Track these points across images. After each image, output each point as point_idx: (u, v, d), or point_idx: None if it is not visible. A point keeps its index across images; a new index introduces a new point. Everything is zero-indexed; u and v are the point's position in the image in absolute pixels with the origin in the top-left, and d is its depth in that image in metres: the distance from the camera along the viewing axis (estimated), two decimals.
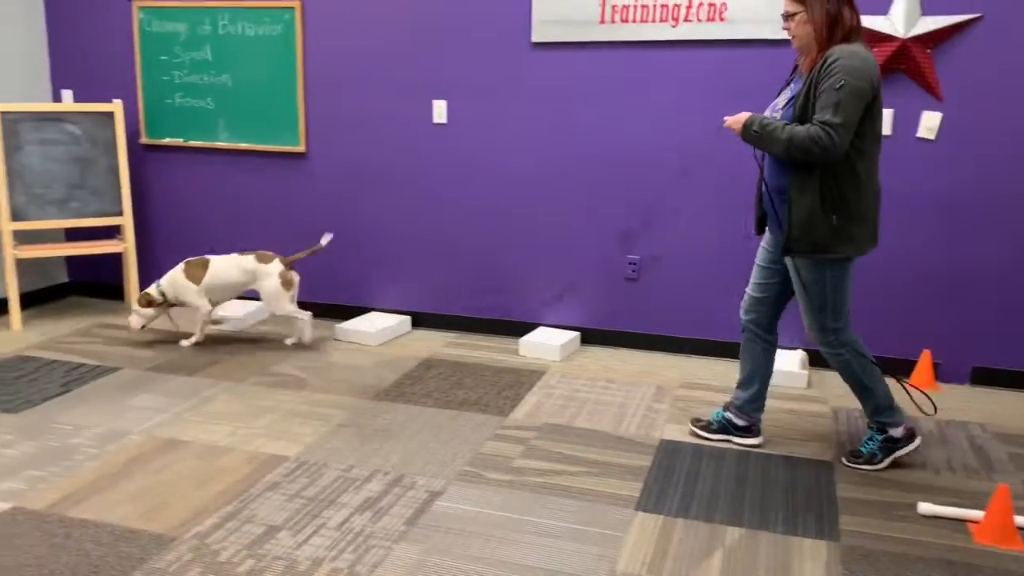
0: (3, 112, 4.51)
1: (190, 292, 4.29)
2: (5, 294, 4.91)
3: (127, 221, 4.79)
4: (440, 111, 4.53)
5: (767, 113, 3.04)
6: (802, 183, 2.87)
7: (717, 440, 3.37)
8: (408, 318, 4.77)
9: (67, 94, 5.07)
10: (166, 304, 4.34)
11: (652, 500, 2.91)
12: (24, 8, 4.90)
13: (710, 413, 3.50)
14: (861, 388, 3.12)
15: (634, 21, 4.13)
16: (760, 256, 3.22)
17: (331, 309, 4.94)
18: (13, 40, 4.85)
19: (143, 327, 4.34)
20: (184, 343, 4.42)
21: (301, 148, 4.76)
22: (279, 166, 4.86)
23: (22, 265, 4.92)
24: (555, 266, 4.54)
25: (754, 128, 2.93)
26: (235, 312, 4.77)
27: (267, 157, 4.86)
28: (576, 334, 4.50)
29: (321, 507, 2.81)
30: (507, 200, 4.53)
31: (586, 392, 3.88)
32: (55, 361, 4.15)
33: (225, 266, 4.32)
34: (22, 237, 4.81)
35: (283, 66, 4.68)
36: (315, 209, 4.85)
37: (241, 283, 4.34)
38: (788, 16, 2.92)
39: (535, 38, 4.30)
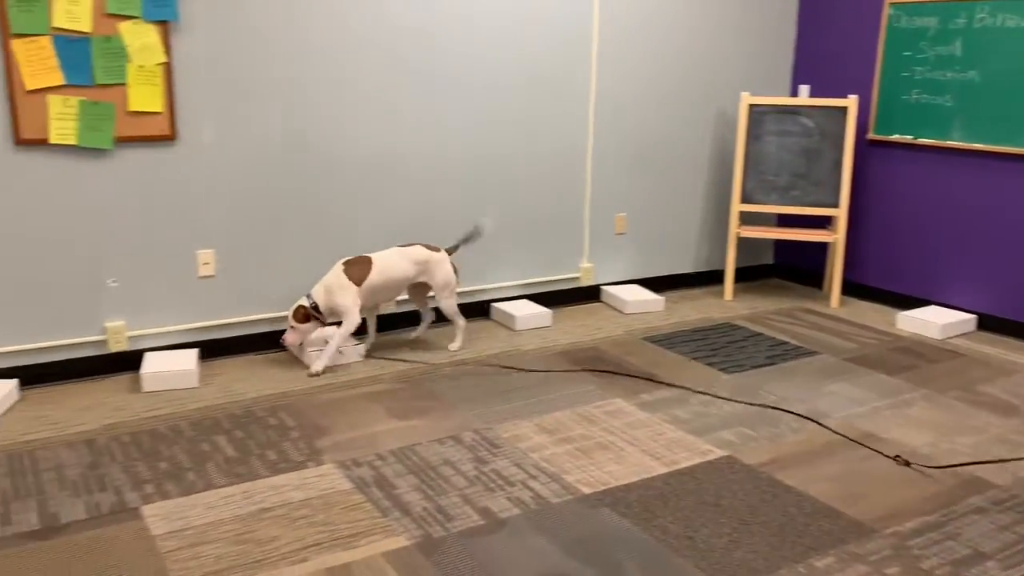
0: (751, 104, 5.01)
1: (348, 294, 3.80)
2: (722, 267, 5.53)
3: (842, 213, 4.92)
4: None
5: None
6: None
7: None
8: None
9: (804, 89, 5.39)
10: (323, 318, 3.85)
11: None
12: (778, 10, 5.35)
13: None
14: None
15: None
16: None
17: None
18: (765, 40, 5.34)
19: (301, 344, 3.93)
20: (311, 370, 3.83)
21: None
22: (1018, 170, 4.42)
23: (739, 243, 5.46)
24: None
25: None
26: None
27: (1004, 160, 4.47)
28: None
29: None
30: None
31: None
32: (759, 334, 4.52)
33: (392, 260, 3.93)
34: (743, 218, 5.33)
35: None
36: None
37: (411, 276, 3.97)
38: None
39: None
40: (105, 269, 3.69)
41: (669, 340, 4.37)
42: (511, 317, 4.52)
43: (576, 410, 3.48)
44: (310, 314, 3.81)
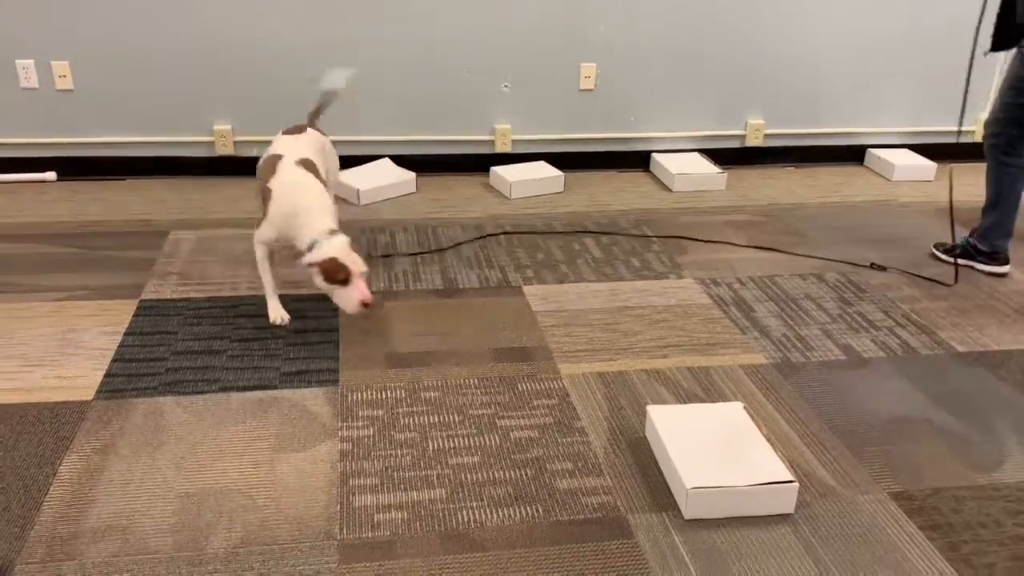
0: None
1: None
2: None
3: None
4: None
5: None
6: None
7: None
8: None
9: None
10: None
11: None
12: None
13: None
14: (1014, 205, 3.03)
15: None
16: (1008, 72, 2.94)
17: None
18: None
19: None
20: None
21: None
22: None
23: None
24: None
25: None
26: None
27: None
28: None
29: None
30: None
31: None
32: None
33: (308, 155, 2.66)
34: None
35: None
36: None
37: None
38: None
39: None
40: (501, 74, 3.98)
41: None
42: (890, 166, 4.20)
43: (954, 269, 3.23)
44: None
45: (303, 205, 2.47)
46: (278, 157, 2.60)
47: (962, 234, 3.39)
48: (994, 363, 2.59)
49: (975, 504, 2.00)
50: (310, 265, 2.39)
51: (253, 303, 2.79)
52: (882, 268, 3.19)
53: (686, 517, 1.92)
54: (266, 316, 2.69)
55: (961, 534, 1.90)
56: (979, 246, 3.20)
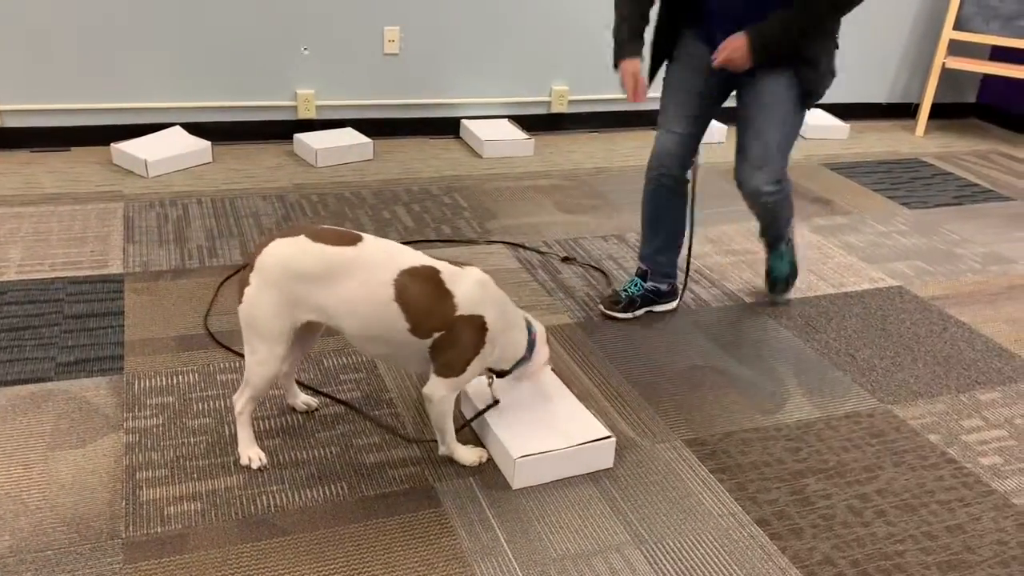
0: None
1: None
2: (918, 100, 5.12)
3: None
4: None
5: None
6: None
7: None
8: None
9: None
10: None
11: None
12: None
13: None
14: (784, 224, 2.69)
15: None
16: (690, 90, 2.45)
17: None
18: None
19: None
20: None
21: None
22: None
23: (942, 76, 5.00)
24: None
25: (762, 44, 2.23)
26: None
27: None
28: None
29: None
30: None
31: None
32: (949, 173, 4.23)
33: None
34: (952, 47, 4.84)
35: None
36: None
37: None
38: None
39: None
40: (299, 37, 3.80)
41: (850, 169, 4.16)
42: None
43: (744, 225, 3.42)
44: None
45: (506, 303, 1.91)
46: (435, 271, 1.82)
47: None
48: (777, 312, 2.78)
49: (760, 445, 2.14)
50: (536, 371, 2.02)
51: (21, 288, 2.53)
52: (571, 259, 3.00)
53: (514, 487, 1.92)
54: (46, 303, 2.45)
55: (748, 474, 2.03)
56: (660, 287, 2.69)
